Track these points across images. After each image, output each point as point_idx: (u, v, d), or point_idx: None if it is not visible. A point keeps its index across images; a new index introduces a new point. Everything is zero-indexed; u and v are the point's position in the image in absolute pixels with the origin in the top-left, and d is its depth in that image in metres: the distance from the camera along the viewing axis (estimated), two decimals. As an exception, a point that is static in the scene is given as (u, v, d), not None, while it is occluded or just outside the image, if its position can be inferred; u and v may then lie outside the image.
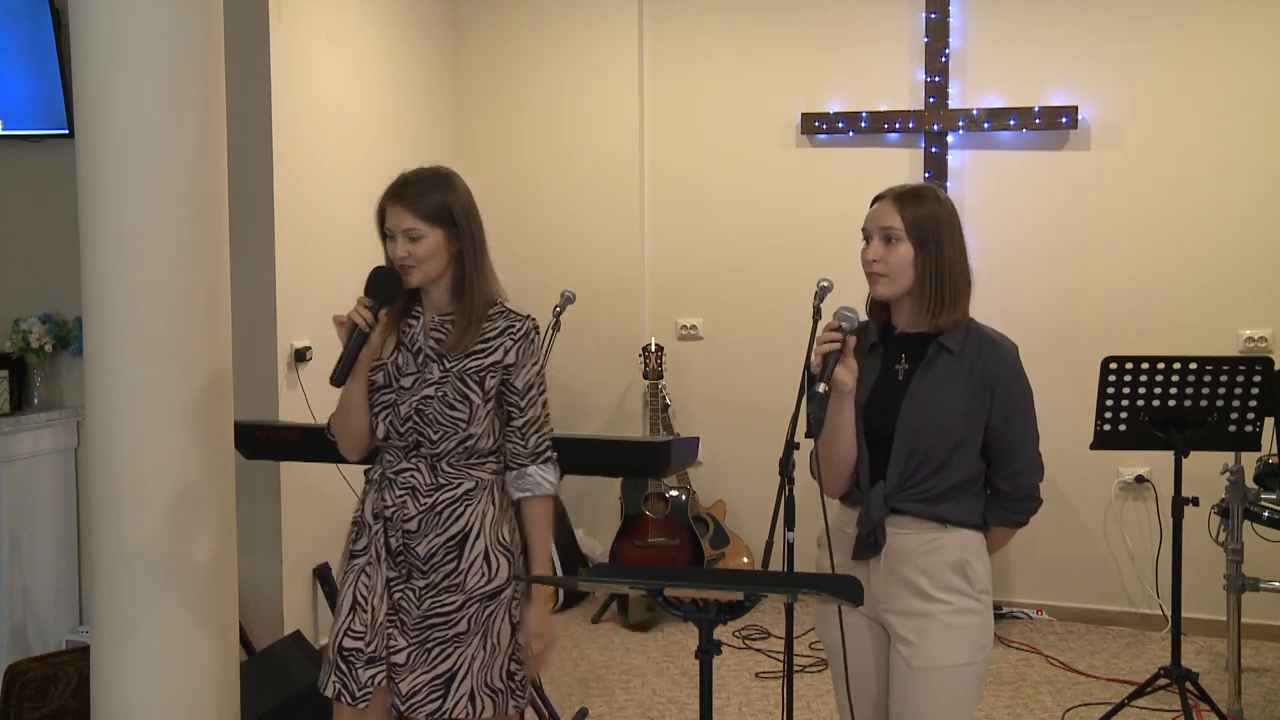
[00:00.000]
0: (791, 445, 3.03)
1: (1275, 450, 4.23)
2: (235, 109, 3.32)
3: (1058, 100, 5.33)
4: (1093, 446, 4.15)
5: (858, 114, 5.54)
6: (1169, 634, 4.32)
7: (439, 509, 2.66)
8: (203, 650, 3.05)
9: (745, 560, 5.59)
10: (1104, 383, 4.02)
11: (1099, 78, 5.30)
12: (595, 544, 5.82)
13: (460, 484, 2.67)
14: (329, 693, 2.69)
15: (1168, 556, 4.29)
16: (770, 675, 4.76)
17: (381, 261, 2.69)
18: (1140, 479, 5.32)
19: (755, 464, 5.52)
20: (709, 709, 2.21)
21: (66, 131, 4.42)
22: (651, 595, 2.22)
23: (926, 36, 5.46)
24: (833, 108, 5.60)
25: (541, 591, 2.75)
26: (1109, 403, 4.03)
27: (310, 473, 4.71)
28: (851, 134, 5.57)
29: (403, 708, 2.67)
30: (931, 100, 5.46)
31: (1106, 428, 4.07)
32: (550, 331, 5.16)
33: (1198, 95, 5.21)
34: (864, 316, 2.60)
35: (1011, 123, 5.35)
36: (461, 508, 2.67)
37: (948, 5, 5.42)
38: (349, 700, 2.65)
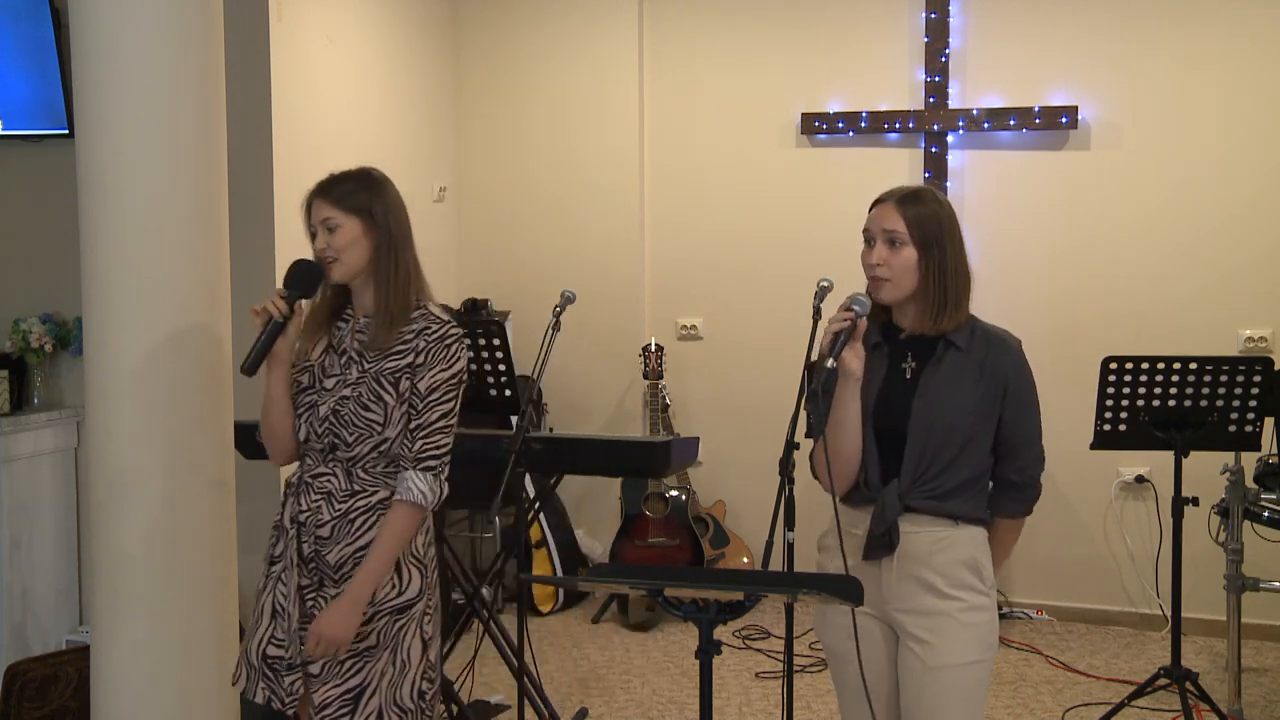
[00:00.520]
0: (791, 445, 3.02)
1: (1275, 450, 4.23)
2: (235, 109, 3.32)
3: (1058, 100, 5.33)
4: (1093, 446, 4.15)
5: (858, 114, 5.54)
6: (1169, 634, 4.32)
7: (352, 516, 2.60)
8: (202, 650, 3.05)
9: (745, 560, 5.60)
10: (1104, 383, 4.02)
11: (1099, 78, 5.30)
12: (595, 544, 5.82)
13: (376, 492, 2.61)
14: (259, 699, 2.63)
15: (1168, 556, 4.28)
16: (770, 675, 4.76)
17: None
18: (1140, 479, 5.32)
19: (755, 464, 5.51)
20: (709, 709, 2.21)
21: (66, 131, 4.42)
22: (651, 595, 2.22)
23: (926, 36, 5.46)
24: (833, 108, 5.60)
25: (357, 592, 2.56)
26: (1109, 403, 4.03)
27: (310, 473, 4.70)
28: (851, 134, 5.57)
29: (315, 718, 2.61)
30: (931, 100, 5.46)
31: (1106, 428, 4.07)
32: (550, 331, 5.14)
33: (1198, 95, 5.21)
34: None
35: (1011, 123, 5.35)
36: (374, 517, 2.60)
37: (948, 5, 5.42)
38: (279, 705, 2.61)
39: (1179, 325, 5.21)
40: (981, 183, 5.47)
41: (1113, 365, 4.00)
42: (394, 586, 2.61)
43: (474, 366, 4.03)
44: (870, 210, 2.56)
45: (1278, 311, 5.16)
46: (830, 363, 2.40)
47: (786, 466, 3.03)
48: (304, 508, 2.64)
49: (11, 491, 4.39)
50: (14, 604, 4.40)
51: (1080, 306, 5.36)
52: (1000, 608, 5.44)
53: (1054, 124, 5.30)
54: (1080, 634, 5.28)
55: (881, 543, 2.49)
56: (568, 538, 5.74)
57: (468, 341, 2.69)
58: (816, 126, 5.61)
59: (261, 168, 4.56)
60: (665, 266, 5.90)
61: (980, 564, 2.53)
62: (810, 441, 2.58)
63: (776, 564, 3.26)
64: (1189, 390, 3.95)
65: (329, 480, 2.63)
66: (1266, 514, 4.27)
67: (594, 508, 5.94)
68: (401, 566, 2.62)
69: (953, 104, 5.45)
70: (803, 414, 2.98)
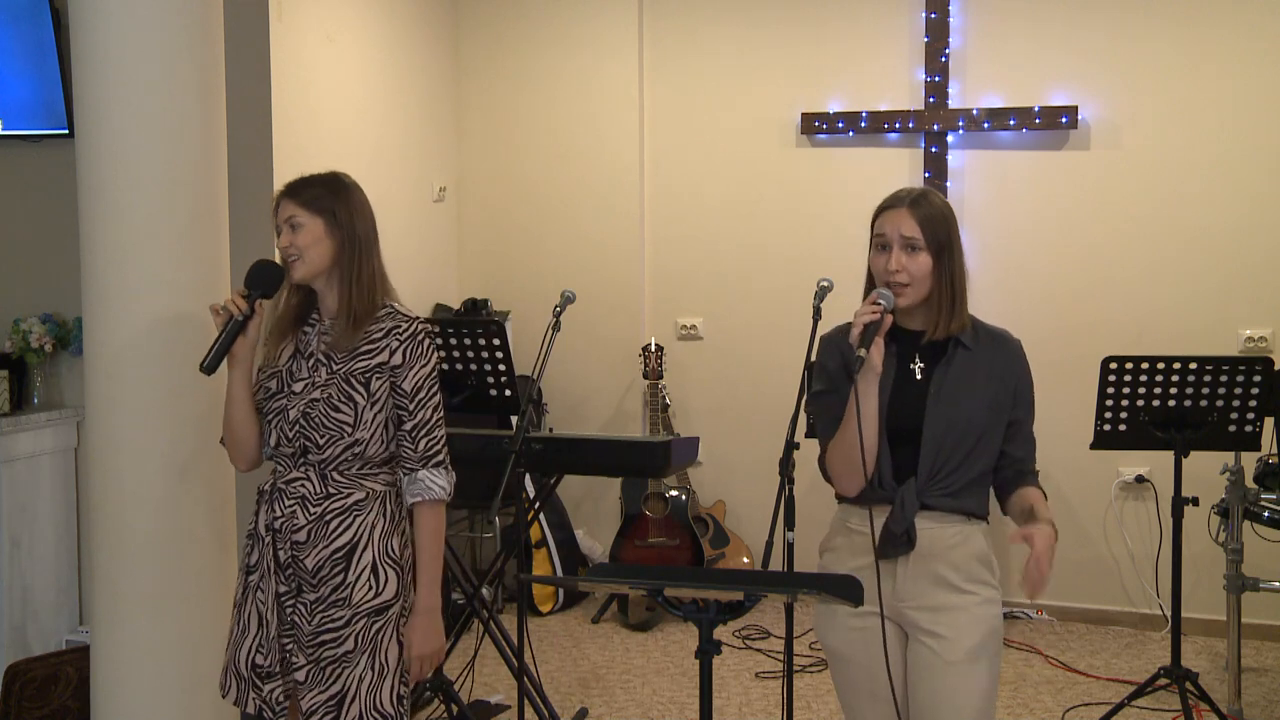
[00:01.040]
0: (791, 445, 3.03)
1: (1275, 450, 4.23)
2: (235, 109, 3.32)
3: (1058, 100, 5.33)
4: (1093, 446, 4.14)
5: (858, 114, 5.54)
6: (1169, 634, 4.32)
7: (327, 519, 2.59)
8: (203, 649, 3.05)
9: (745, 560, 5.60)
10: (1104, 383, 4.02)
11: (1099, 78, 5.30)
12: (595, 544, 5.82)
13: (350, 494, 2.60)
14: (250, 709, 2.63)
15: (1168, 556, 4.28)
16: (770, 675, 4.76)
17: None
18: (1140, 479, 5.32)
19: (755, 464, 5.52)
20: (709, 709, 2.21)
21: (66, 131, 4.41)
22: (651, 595, 2.22)
23: (926, 36, 5.46)
24: (833, 108, 5.60)
25: (429, 602, 2.62)
26: (1109, 403, 4.03)
27: (310, 473, 4.70)
28: (851, 134, 5.57)
29: None
30: (931, 100, 5.46)
31: (1106, 428, 4.07)
32: (550, 331, 5.15)
33: (1198, 95, 5.21)
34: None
35: (1011, 123, 5.35)
36: (350, 518, 2.59)
37: (948, 5, 5.42)
38: (270, 715, 2.62)
39: (1179, 325, 5.21)
40: (981, 183, 5.47)
41: (1113, 365, 4.00)
42: (370, 588, 2.59)
43: (474, 367, 4.03)
44: (878, 215, 2.55)
45: (1278, 311, 5.16)
46: (861, 352, 2.41)
47: (786, 466, 3.04)
48: (279, 514, 2.61)
49: (11, 491, 4.39)
50: (14, 604, 4.39)
51: (1080, 306, 5.36)
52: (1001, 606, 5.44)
53: (1054, 124, 5.30)
54: (1080, 634, 5.28)
55: (900, 540, 2.50)
56: (568, 538, 5.74)
57: (434, 337, 2.68)
58: (816, 126, 5.61)
59: (261, 168, 4.56)
60: (665, 267, 5.90)
61: (990, 558, 2.56)
62: (813, 442, 2.58)
63: (776, 564, 3.26)
64: (1189, 390, 3.95)
65: (303, 485, 2.61)
66: (1266, 514, 4.27)
67: (594, 508, 5.95)
68: (378, 567, 2.60)
69: (953, 104, 5.45)
70: (803, 414, 2.98)
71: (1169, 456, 4.05)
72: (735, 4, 5.74)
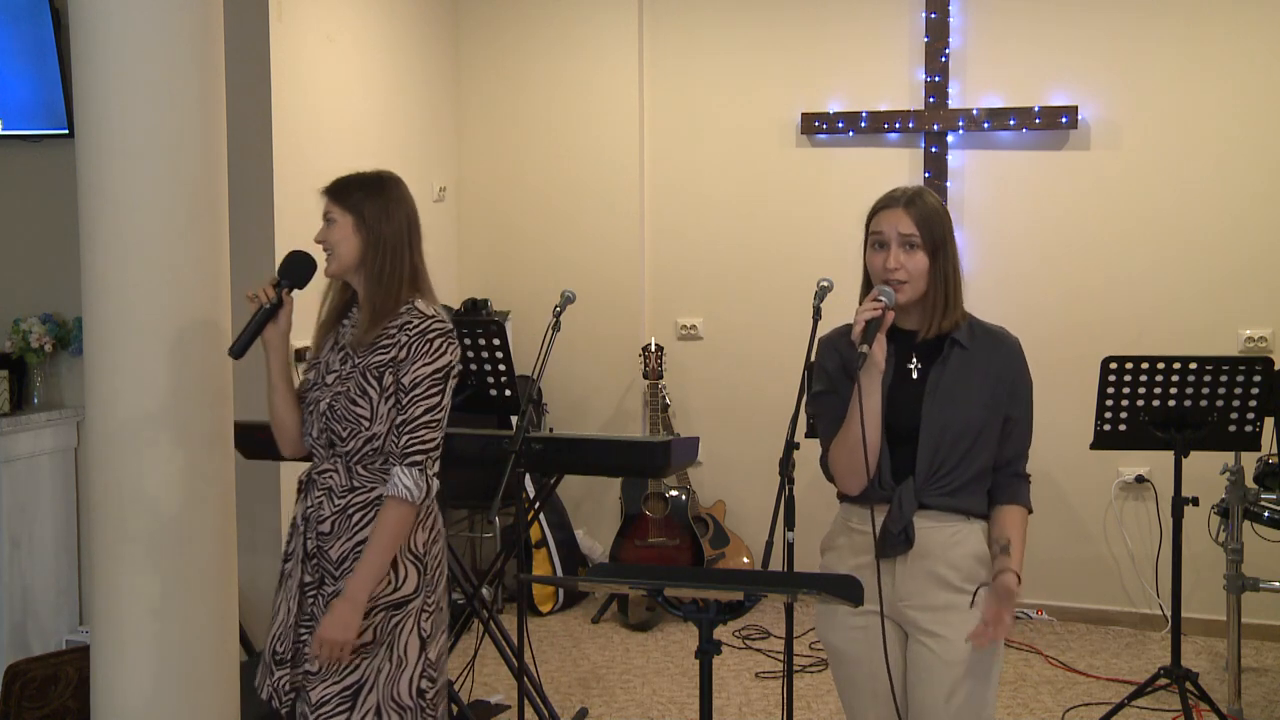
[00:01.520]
0: (791, 445, 3.03)
1: (1275, 450, 4.23)
2: (235, 109, 3.32)
3: (1058, 100, 5.33)
4: (1093, 446, 4.14)
5: (858, 114, 5.54)
6: (1169, 634, 4.32)
7: (350, 512, 2.64)
8: (203, 650, 3.05)
9: (745, 560, 5.60)
10: (1104, 383, 4.02)
11: (1099, 78, 5.30)
12: (595, 544, 5.82)
13: (373, 488, 2.64)
14: (264, 694, 2.68)
15: (1168, 556, 4.28)
16: (770, 675, 4.76)
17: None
18: (1140, 479, 5.32)
19: (755, 464, 5.52)
20: (709, 709, 2.21)
21: (66, 131, 4.42)
22: (651, 595, 2.22)
23: (926, 36, 5.46)
24: (833, 108, 5.60)
25: (354, 593, 2.58)
26: (1109, 403, 4.03)
27: (310, 473, 4.70)
28: (851, 134, 5.57)
29: (311, 716, 2.62)
30: (931, 100, 5.46)
31: (1106, 428, 4.07)
32: (550, 331, 5.15)
33: (1198, 95, 5.21)
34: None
35: (1011, 123, 5.35)
36: (372, 512, 2.63)
37: (948, 5, 5.42)
38: (278, 704, 2.66)
39: (1179, 325, 5.21)
40: (981, 183, 5.47)
41: (1113, 365, 4.00)
42: (389, 582, 2.62)
43: (474, 366, 4.03)
44: (874, 214, 2.56)
45: (1278, 311, 5.16)
46: (864, 348, 2.41)
47: (786, 466, 3.04)
48: (310, 504, 2.68)
49: (11, 491, 4.39)
50: (14, 604, 4.39)
51: (1080, 306, 5.36)
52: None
53: (1054, 124, 5.30)
54: (1080, 634, 5.28)
55: (899, 540, 2.50)
56: (568, 538, 5.74)
57: (454, 339, 2.70)
58: (816, 126, 5.61)
59: (261, 168, 4.56)
60: (665, 267, 5.90)
61: (986, 556, 2.55)
62: (813, 442, 2.58)
63: (776, 564, 3.26)
64: (1189, 390, 3.95)
65: (331, 476, 2.67)
66: (1266, 514, 4.27)
67: (594, 508, 5.95)
68: (398, 562, 2.63)
69: (953, 104, 5.45)
70: (803, 414, 2.98)
71: (1169, 456, 4.05)
72: (735, 4, 5.74)
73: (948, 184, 5.46)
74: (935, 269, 2.51)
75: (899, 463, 2.53)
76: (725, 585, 2.18)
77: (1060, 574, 5.44)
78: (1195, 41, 5.20)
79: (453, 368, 2.67)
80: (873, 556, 2.51)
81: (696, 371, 5.87)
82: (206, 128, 3.05)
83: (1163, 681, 4.12)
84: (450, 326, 2.68)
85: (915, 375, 2.55)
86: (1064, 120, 5.29)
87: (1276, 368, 3.94)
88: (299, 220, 4.73)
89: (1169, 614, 4.53)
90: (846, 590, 2.13)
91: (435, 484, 2.64)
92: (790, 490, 3.15)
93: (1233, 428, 3.97)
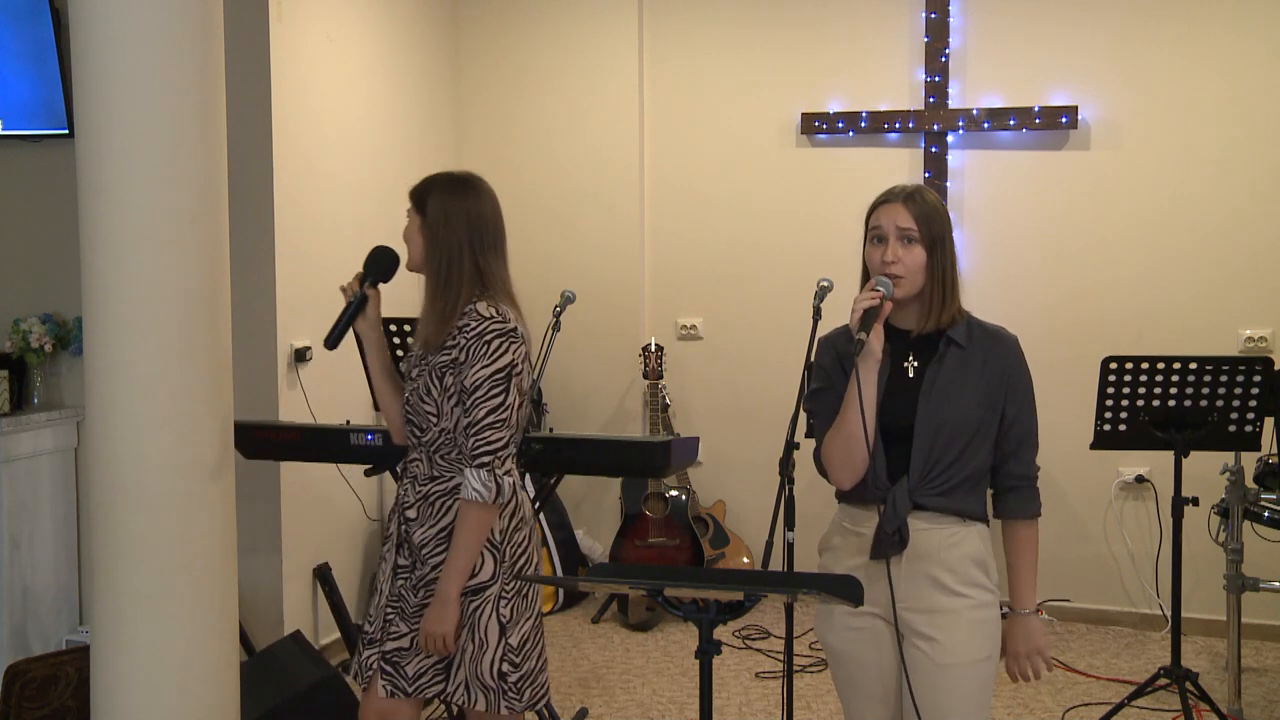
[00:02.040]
0: (791, 445, 3.04)
1: (1275, 450, 4.23)
2: (235, 109, 3.32)
3: (1058, 100, 5.33)
4: (1093, 446, 4.15)
5: (858, 114, 5.54)
6: (1169, 634, 4.32)
7: (432, 499, 2.76)
8: (203, 650, 3.05)
9: (745, 560, 5.60)
10: (1104, 383, 4.02)
11: (1099, 78, 5.31)
12: (595, 544, 5.82)
13: (451, 478, 2.75)
14: (351, 673, 2.86)
15: (1168, 556, 4.29)
16: (770, 675, 4.76)
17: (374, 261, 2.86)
18: (1140, 479, 5.32)
19: (755, 464, 5.53)
20: (709, 709, 2.21)
21: (66, 131, 4.42)
22: (651, 595, 2.22)
23: (926, 36, 5.46)
24: (833, 108, 5.61)
25: (445, 591, 2.69)
26: (1109, 403, 4.03)
27: (310, 473, 4.71)
28: (851, 134, 5.58)
29: (409, 689, 2.77)
30: (931, 100, 5.46)
31: (1106, 428, 4.07)
32: (550, 331, 5.16)
33: (1198, 95, 5.21)
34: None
35: (1011, 123, 5.35)
36: (452, 500, 2.74)
37: (948, 5, 5.43)
38: (361, 681, 2.82)
39: (1179, 325, 5.21)
40: (981, 183, 5.47)
41: (1113, 365, 4.01)
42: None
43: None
44: (874, 209, 2.57)
45: (1278, 311, 5.16)
46: (861, 336, 2.42)
47: (786, 466, 3.04)
48: (402, 491, 2.84)
49: (11, 491, 4.39)
50: (14, 604, 4.40)
51: (1080, 306, 5.36)
52: (1000, 608, 5.44)
53: (1054, 124, 5.30)
54: (1080, 634, 5.28)
55: (892, 540, 2.50)
56: (568, 538, 5.74)
57: (515, 338, 2.74)
58: (816, 126, 5.61)
59: (261, 168, 4.56)
60: (665, 266, 5.90)
61: (986, 561, 2.54)
62: (811, 441, 2.58)
63: (776, 564, 3.27)
64: (1189, 390, 3.95)
65: (417, 465, 2.81)
66: (1266, 514, 4.27)
67: (594, 508, 5.95)
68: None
69: (953, 104, 5.45)
70: (803, 414, 2.99)
71: (1169, 456, 4.05)
72: (735, 4, 5.74)
73: (948, 184, 5.46)
74: (933, 264, 2.51)
75: (894, 462, 2.53)
76: (725, 585, 2.17)
77: (1060, 574, 5.44)
78: (1195, 41, 5.20)
79: (515, 366, 2.70)
80: (869, 556, 2.52)
81: (696, 371, 5.87)
82: (207, 128, 3.05)
83: (1163, 681, 4.13)
84: (511, 326, 2.71)
85: (911, 374, 2.55)
86: (1064, 120, 5.29)
87: (1276, 368, 3.95)
88: (299, 220, 4.74)
89: (1169, 614, 4.53)
90: (846, 590, 2.13)
91: (507, 482, 2.68)
92: (790, 490, 3.15)
93: (1233, 428, 3.98)
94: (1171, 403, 3.97)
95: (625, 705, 4.50)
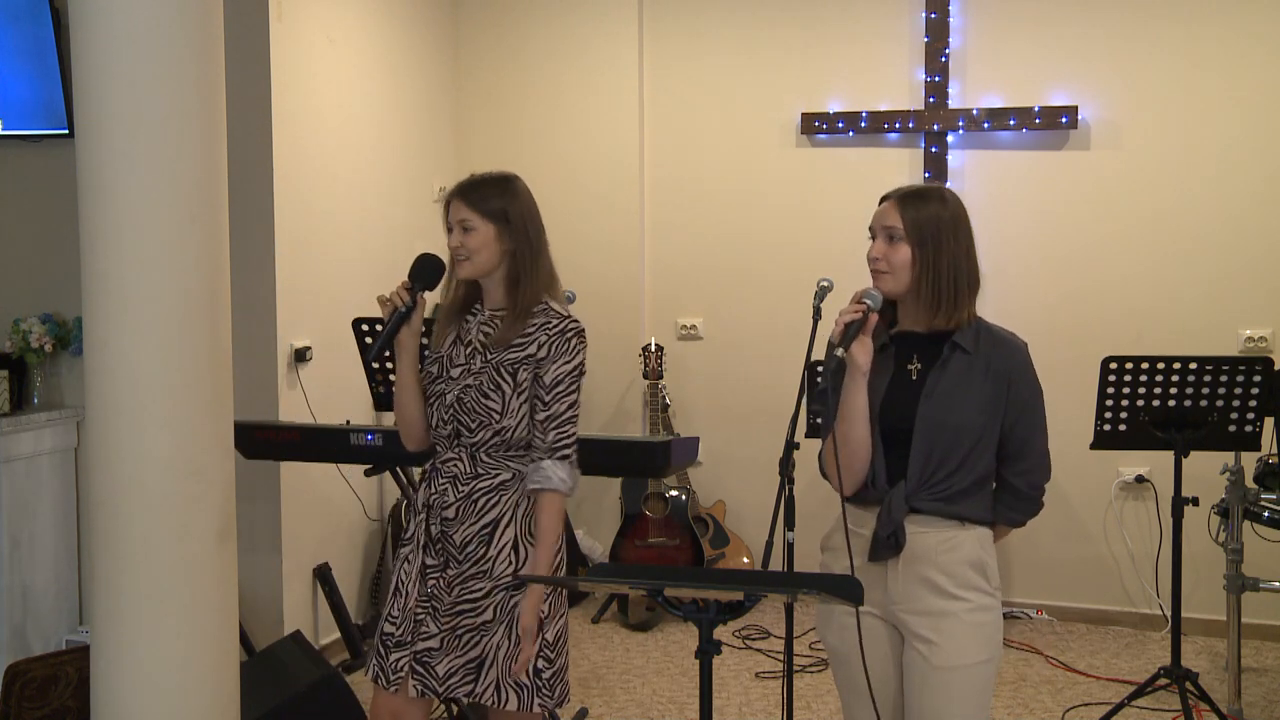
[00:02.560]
0: (791, 445, 3.03)
1: (1275, 450, 4.23)
2: (235, 109, 3.32)
3: (1058, 100, 5.33)
4: (1093, 446, 4.15)
5: (858, 114, 5.54)
6: (1169, 634, 4.32)
7: (475, 498, 2.76)
8: (203, 650, 3.05)
9: (745, 560, 5.60)
10: (1104, 383, 4.02)
11: (1099, 78, 5.31)
12: (595, 544, 5.82)
13: (497, 475, 2.76)
14: (369, 675, 2.81)
15: (1168, 556, 4.29)
16: (770, 675, 4.76)
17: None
18: (1140, 479, 5.32)
19: (755, 464, 5.53)
20: (709, 709, 2.21)
21: (66, 131, 4.42)
22: (651, 595, 2.22)
23: (926, 36, 5.46)
24: (833, 108, 5.61)
25: (531, 589, 2.75)
26: (1109, 403, 4.03)
27: (310, 473, 4.71)
28: (851, 134, 5.58)
29: (440, 689, 2.76)
30: (931, 100, 5.46)
31: (1106, 428, 4.07)
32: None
33: (1198, 95, 5.21)
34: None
35: (1011, 123, 5.36)
36: (496, 497, 2.76)
37: (948, 5, 5.43)
38: (384, 683, 2.78)
39: (1179, 325, 5.21)
40: (981, 183, 5.47)
41: (1113, 365, 4.01)
42: (510, 563, 2.74)
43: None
44: (878, 206, 2.59)
45: (1278, 311, 5.16)
46: (839, 351, 2.42)
47: (786, 466, 3.04)
48: (434, 491, 2.80)
49: (11, 491, 4.39)
50: (14, 604, 4.40)
51: (1080, 306, 5.36)
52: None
53: (1054, 124, 5.30)
54: (1080, 634, 5.28)
55: (888, 544, 2.50)
56: (568, 538, 5.74)
57: (585, 338, 2.84)
58: (816, 126, 5.61)
59: (261, 168, 4.56)
60: (665, 266, 5.90)
61: (986, 564, 2.53)
62: (813, 441, 2.59)
63: (776, 564, 3.26)
64: (1189, 390, 3.95)
65: (455, 465, 2.78)
66: (1266, 514, 4.27)
67: (594, 508, 5.95)
68: (519, 544, 2.76)
69: (953, 104, 5.45)
70: (803, 414, 2.99)
71: (1169, 456, 4.05)
72: (735, 4, 5.74)
73: (948, 184, 5.45)
74: (921, 264, 2.50)
75: (893, 465, 2.53)
76: (725, 585, 2.18)
77: (1060, 574, 5.44)
78: (1195, 42, 5.20)
79: (583, 365, 2.79)
80: (867, 558, 2.52)
81: (696, 371, 5.87)
82: (207, 128, 3.05)
83: (1163, 681, 4.13)
84: (582, 326, 2.79)
85: (914, 376, 2.55)
86: (1064, 120, 5.29)
87: (1276, 368, 3.95)
88: (299, 220, 4.74)
89: (1169, 614, 4.53)
90: (846, 590, 2.13)
91: (578, 475, 2.78)
92: (790, 490, 3.15)
93: (1233, 428, 3.98)
94: (1171, 403, 3.98)
95: (625, 705, 4.50)
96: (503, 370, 2.73)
